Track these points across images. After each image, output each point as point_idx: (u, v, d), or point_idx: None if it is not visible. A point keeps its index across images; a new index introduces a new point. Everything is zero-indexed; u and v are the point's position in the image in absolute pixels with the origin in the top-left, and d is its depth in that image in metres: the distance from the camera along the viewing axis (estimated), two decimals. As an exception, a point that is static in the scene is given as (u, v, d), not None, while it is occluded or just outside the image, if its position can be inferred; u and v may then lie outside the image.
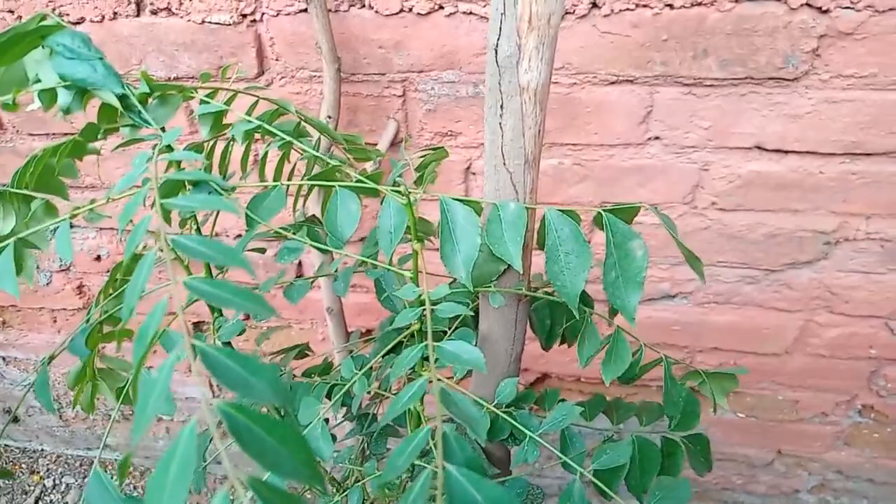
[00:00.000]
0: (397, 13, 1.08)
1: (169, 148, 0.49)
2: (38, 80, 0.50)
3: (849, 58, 1.02)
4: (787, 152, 1.13)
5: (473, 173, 1.24)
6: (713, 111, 1.10)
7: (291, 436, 0.28)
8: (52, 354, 0.59)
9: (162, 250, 0.36)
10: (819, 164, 1.13)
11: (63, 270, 1.58)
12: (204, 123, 0.57)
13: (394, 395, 0.71)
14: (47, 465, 2.13)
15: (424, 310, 0.51)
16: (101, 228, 1.47)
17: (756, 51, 1.03)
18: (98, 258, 1.53)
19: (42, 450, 2.17)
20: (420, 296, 0.54)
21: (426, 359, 0.53)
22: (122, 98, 0.51)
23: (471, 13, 1.06)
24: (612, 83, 1.10)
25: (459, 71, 1.13)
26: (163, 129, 0.51)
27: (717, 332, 1.40)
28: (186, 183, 0.49)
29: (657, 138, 1.15)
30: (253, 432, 0.28)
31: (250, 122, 0.57)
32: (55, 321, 1.73)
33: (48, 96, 0.50)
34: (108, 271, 1.56)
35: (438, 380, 0.45)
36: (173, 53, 1.17)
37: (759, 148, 1.13)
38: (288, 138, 0.57)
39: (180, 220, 0.60)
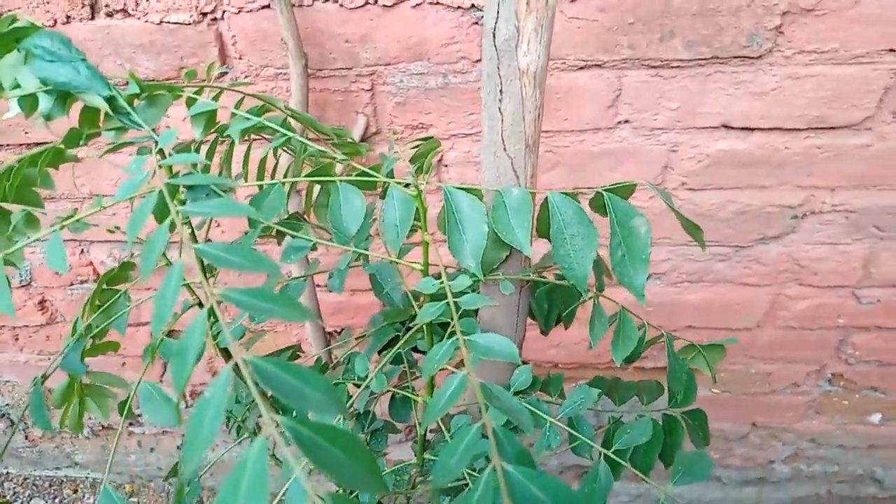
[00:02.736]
0: (362, 6, 1.06)
1: (162, 153, 0.47)
2: (17, 86, 0.47)
3: (810, 34, 1.04)
4: (753, 129, 1.15)
5: (446, 165, 1.23)
6: (680, 92, 1.11)
7: (354, 445, 0.27)
8: (45, 374, 0.57)
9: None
10: (784, 139, 1.15)
11: (23, 286, 1.52)
12: (197, 123, 0.55)
13: (395, 389, 0.70)
14: (14, 488, 2.05)
15: (447, 302, 0.50)
16: (64, 240, 1.42)
17: (721, 30, 1.04)
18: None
19: (7, 472, 2.09)
20: (440, 288, 0.53)
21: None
22: (110, 100, 0.49)
23: (437, 3, 1.05)
24: (581, 68, 1.10)
25: (427, 62, 1.11)
26: (153, 131, 0.49)
27: (690, 311, 1.42)
28: (182, 187, 0.47)
29: (626, 122, 1.16)
30: (318, 444, 0.27)
31: (248, 119, 0.55)
32: (17, 339, 1.66)
33: (28, 103, 0.47)
34: (70, 284, 1.50)
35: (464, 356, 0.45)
36: (131, 56, 1.13)
37: (725, 127, 1.15)
38: (289, 134, 0.55)
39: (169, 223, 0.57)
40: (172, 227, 0.37)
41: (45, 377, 0.56)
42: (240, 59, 1.13)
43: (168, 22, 1.08)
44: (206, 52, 1.11)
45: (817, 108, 1.10)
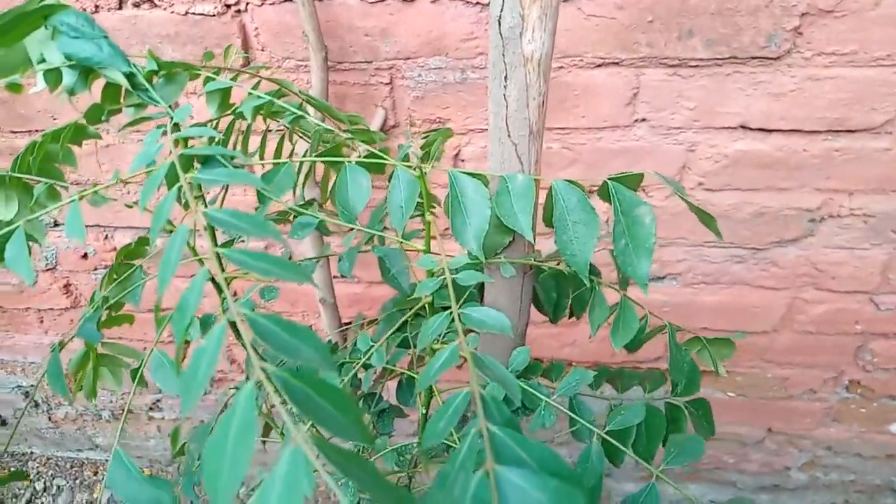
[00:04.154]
0: (383, 0, 1.08)
1: (177, 126, 0.49)
2: (43, 61, 0.49)
3: (830, 35, 1.03)
4: (771, 131, 1.15)
5: (462, 160, 1.25)
6: (698, 91, 1.12)
7: (340, 397, 0.29)
8: (62, 342, 0.59)
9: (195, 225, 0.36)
10: (803, 142, 1.15)
11: (49, 270, 1.56)
12: (211, 101, 0.57)
13: (403, 370, 0.72)
14: (37, 467, 2.10)
15: (445, 278, 0.51)
16: (87, 226, 1.46)
17: (739, 30, 1.04)
18: (85, 256, 1.51)
19: (31, 452, 2.14)
20: (438, 266, 0.54)
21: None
22: (129, 77, 0.51)
23: (457, -1, 1.06)
24: (599, 66, 1.11)
25: (446, 57, 1.13)
26: (170, 108, 0.51)
27: (706, 313, 1.41)
28: (195, 160, 0.49)
29: (644, 120, 1.16)
30: (308, 396, 0.28)
31: (260, 97, 0.57)
32: (42, 321, 1.71)
33: (53, 77, 0.50)
34: (94, 269, 1.54)
35: (470, 331, 0.46)
36: (157, 46, 1.16)
37: (744, 127, 1.15)
38: (298, 112, 0.57)
39: (183, 202, 0.59)
40: (181, 194, 0.38)
41: (62, 345, 0.58)
42: (262, 50, 1.15)
43: (193, 13, 1.11)
44: (230, 43, 1.14)
45: (836, 111, 1.10)
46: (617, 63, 1.10)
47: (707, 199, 1.24)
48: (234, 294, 1.49)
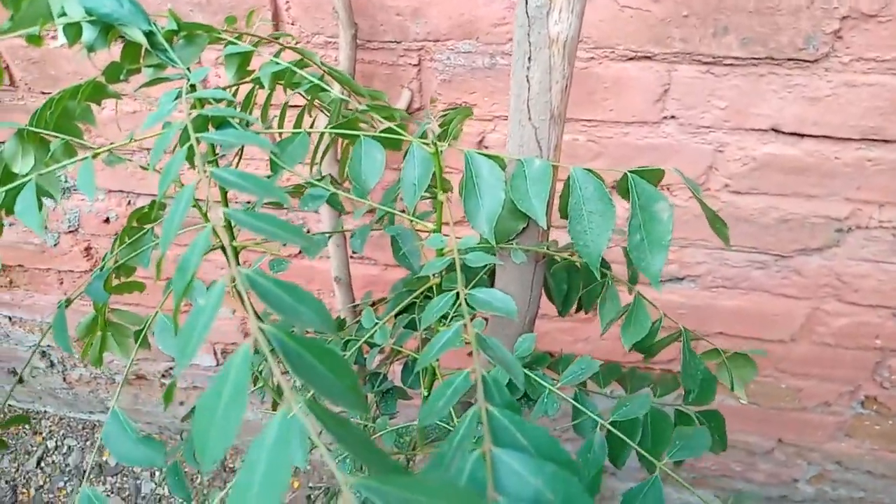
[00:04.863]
0: (416, -20, 1.07)
1: (193, 87, 0.48)
2: (63, 15, 0.49)
3: (871, 41, 1.00)
4: (803, 136, 1.12)
5: (486, 146, 1.24)
6: (731, 91, 1.09)
7: (338, 363, 0.28)
8: (69, 298, 0.59)
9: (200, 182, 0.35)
10: (835, 149, 1.12)
11: (71, 232, 1.58)
12: (230, 65, 0.56)
13: (411, 352, 0.71)
14: (50, 426, 2.14)
15: (453, 258, 0.50)
16: (110, 191, 1.47)
17: (778, 30, 1.01)
18: (107, 220, 1.52)
19: (45, 411, 2.18)
20: (447, 246, 0.53)
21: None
22: (149, 35, 0.51)
23: (491, -18, 1.05)
24: (630, 59, 1.09)
25: (476, 41, 1.11)
26: (188, 70, 0.51)
27: (723, 317, 1.39)
28: (210, 124, 0.49)
29: (673, 117, 1.14)
30: (303, 357, 0.28)
31: (278, 63, 0.56)
32: (61, 283, 1.73)
33: (73, 31, 0.49)
34: (116, 234, 1.55)
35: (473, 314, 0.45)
36: (188, 14, 1.16)
37: (775, 130, 1.12)
38: (315, 81, 0.56)
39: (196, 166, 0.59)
40: (191, 153, 0.38)
41: (69, 301, 0.58)
42: (292, 24, 1.14)
43: (226, -18, 1.11)
44: (261, 15, 1.14)
45: (872, 119, 1.07)
46: (649, 57, 1.08)
47: (732, 201, 1.22)
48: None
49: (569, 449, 1.48)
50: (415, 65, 1.16)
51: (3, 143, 0.56)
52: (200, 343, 0.29)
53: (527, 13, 0.52)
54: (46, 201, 0.91)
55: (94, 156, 0.50)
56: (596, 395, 0.68)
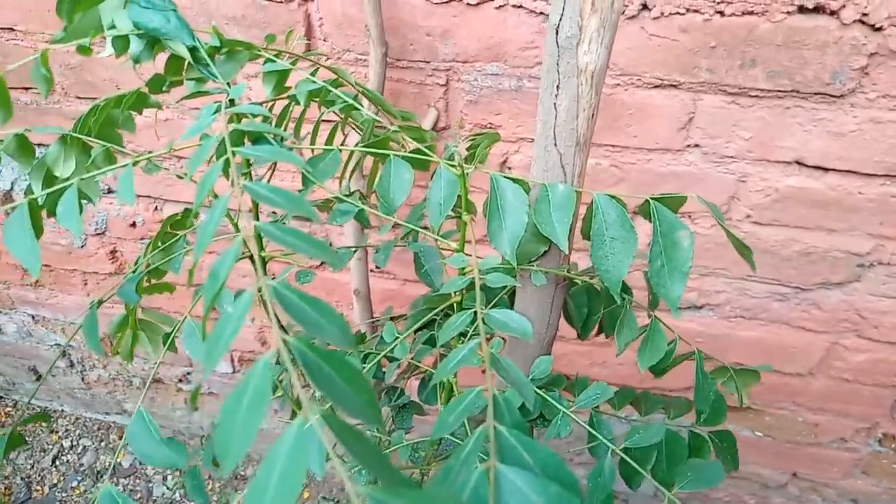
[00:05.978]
0: (448, 1, 1.09)
1: (232, 102, 0.50)
2: (113, 27, 0.51)
3: (898, 78, 1.01)
4: (827, 170, 1.12)
5: (510, 168, 1.25)
6: (756, 122, 1.10)
7: (357, 377, 0.29)
8: (101, 299, 0.61)
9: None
10: (859, 184, 1.12)
11: (98, 234, 1.61)
12: (268, 82, 0.58)
13: (427, 368, 0.72)
14: (66, 425, 2.16)
15: (474, 278, 0.51)
16: (138, 196, 1.50)
17: (804, 64, 1.02)
18: (133, 225, 1.55)
19: (62, 410, 2.21)
20: (468, 266, 0.54)
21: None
22: (192, 50, 0.53)
23: (520, 6, 1.07)
24: (656, 87, 1.10)
25: (504, 64, 1.13)
26: (228, 84, 0.53)
27: (741, 347, 1.39)
28: (246, 138, 0.50)
29: (697, 146, 1.15)
30: (323, 370, 0.29)
31: (314, 82, 0.58)
32: (86, 284, 1.76)
33: (121, 43, 0.52)
34: (142, 238, 1.58)
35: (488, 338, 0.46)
36: (223, 27, 1.19)
37: (799, 163, 1.13)
38: (349, 101, 0.58)
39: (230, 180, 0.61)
40: (227, 166, 0.39)
41: (100, 302, 0.60)
42: (324, 41, 1.17)
43: (263, -2, 1.14)
44: (294, 31, 1.16)
45: (897, 156, 1.07)
46: (675, 86, 1.09)
47: (753, 231, 1.22)
48: (273, 277, 1.52)
49: (581, 473, 1.47)
50: (442, 84, 1.17)
51: (42, 145, 0.58)
52: (226, 349, 0.31)
53: (557, 43, 0.53)
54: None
55: (135, 163, 0.52)
56: (611, 416, 0.69)
